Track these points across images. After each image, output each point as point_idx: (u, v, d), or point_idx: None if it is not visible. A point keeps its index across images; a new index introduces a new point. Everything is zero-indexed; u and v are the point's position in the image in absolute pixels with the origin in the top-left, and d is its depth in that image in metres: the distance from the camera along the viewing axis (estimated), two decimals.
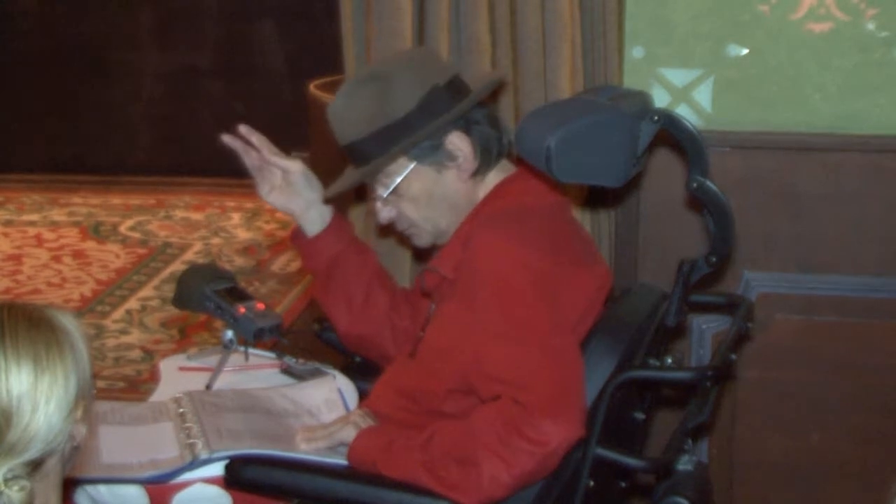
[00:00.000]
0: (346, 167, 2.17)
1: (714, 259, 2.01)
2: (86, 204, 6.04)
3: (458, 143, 2.05)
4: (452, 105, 2.04)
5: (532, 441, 1.83)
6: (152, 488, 1.97)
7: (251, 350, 2.32)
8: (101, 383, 3.81)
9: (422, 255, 2.42)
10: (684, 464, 1.97)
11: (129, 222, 5.74)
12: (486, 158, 2.07)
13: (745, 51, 2.60)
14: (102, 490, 1.99)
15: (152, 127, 6.47)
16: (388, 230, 2.32)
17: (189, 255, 5.28)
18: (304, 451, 2.00)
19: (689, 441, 2.00)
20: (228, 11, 6.32)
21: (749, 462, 2.75)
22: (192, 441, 1.97)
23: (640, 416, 2.16)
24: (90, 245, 5.42)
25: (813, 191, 2.62)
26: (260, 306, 2.23)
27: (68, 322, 1.40)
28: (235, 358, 2.30)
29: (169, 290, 4.00)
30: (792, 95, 2.61)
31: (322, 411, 2.15)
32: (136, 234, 5.55)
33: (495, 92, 2.25)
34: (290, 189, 2.22)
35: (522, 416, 1.84)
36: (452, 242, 2.06)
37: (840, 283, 2.64)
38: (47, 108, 6.47)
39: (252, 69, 6.37)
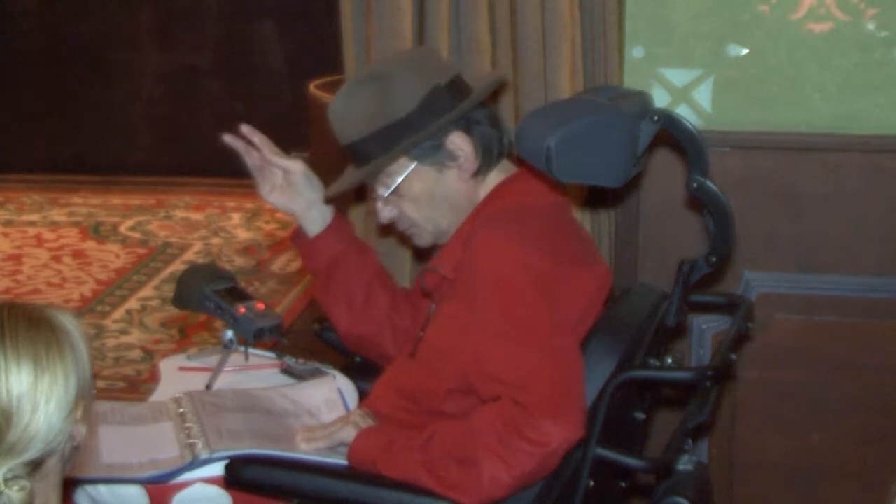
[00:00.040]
0: (346, 167, 2.17)
1: (714, 259, 2.01)
2: (86, 204, 6.04)
3: (459, 142, 2.05)
4: (454, 105, 2.04)
5: (532, 441, 1.83)
6: (152, 488, 1.97)
7: (251, 350, 2.32)
8: (101, 383, 3.81)
9: (422, 254, 2.42)
10: (684, 464, 1.97)
11: (129, 222, 5.74)
12: (487, 158, 2.07)
13: (745, 51, 2.60)
14: (102, 490, 1.99)
15: (152, 127, 6.47)
16: (388, 230, 2.32)
17: (189, 255, 5.28)
18: (304, 451, 2.00)
19: (689, 441, 2.00)
20: (228, 11, 6.32)
21: (749, 462, 2.75)
22: (192, 441, 1.97)
23: (640, 416, 2.16)
24: (90, 245, 5.42)
25: (813, 191, 2.62)
26: (260, 306, 2.23)
27: (68, 322, 1.40)
28: (235, 358, 2.30)
29: (169, 290, 4.00)
30: (792, 95, 2.61)
31: (322, 411, 2.15)
32: (136, 234, 5.55)
33: (496, 92, 2.25)
34: (291, 189, 2.22)
35: (523, 416, 1.84)
36: (453, 242, 2.06)
37: (840, 283, 2.64)
38: (47, 108, 6.47)
39: (252, 69, 6.37)
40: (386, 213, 2.12)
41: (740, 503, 2.77)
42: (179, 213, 5.89)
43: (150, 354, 4.12)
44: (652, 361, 2.08)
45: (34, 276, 5.00)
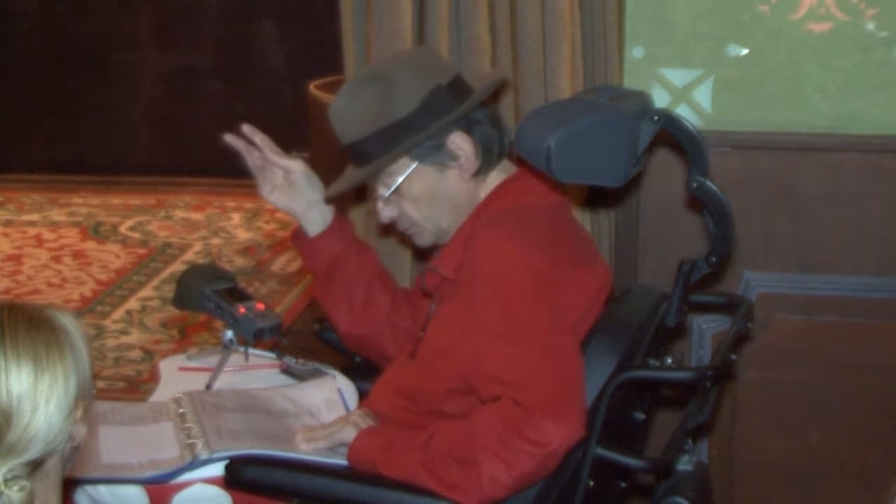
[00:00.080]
0: (346, 167, 2.17)
1: (714, 259, 2.00)
2: (86, 204, 6.04)
3: (460, 143, 2.05)
4: (454, 105, 2.04)
5: (532, 442, 1.83)
6: (152, 488, 1.97)
7: (251, 350, 2.32)
8: (101, 383, 3.81)
9: (422, 254, 2.42)
10: (684, 464, 1.97)
11: (129, 222, 5.74)
12: (487, 158, 2.08)
13: (745, 51, 2.60)
14: (102, 490, 1.99)
15: (152, 127, 6.47)
16: (389, 230, 2.32)
17: (189, 256, 5.28)
18: (304, 451, 2.00)
19: (689, 441, 2.00)
20: (228, 11, 6.32)
21: (749, 462, 2.75)
22: (192, 441, 1.97)
23: (640, 416, 2.16)
24: (90, 245, 5.42)
25: (813, 191, 2.62)
26: (260, 306, 2.23)
27: (68, 322, 1.40)
28: (235, 358, 2.30)
29: (169, 291, 4.00)
30: (792, 95, 2.61)
31: (322, 411, 2.15)
32: (136, 235, 5.55)
33: (496, 92, 2.25)
34: (291, 189, 2.22)
35: (523, 416, 1.84)
36: (454, 242, 2.06)
37: (840, 283, 2.64)
38: (47, 108, 6.47)
39: (252, 69, 6.37)
40: (386, 212, 2.12)
41: (740, 503, 2.77)
42: (179, 214, 5.89)
43: (150, 354, 4.12)
44: (652, 361, 2.08)
45: (34, 276, 5.00)
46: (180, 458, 1.96)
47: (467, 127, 2.06)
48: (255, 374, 2.31)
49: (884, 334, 2.65)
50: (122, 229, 5.64)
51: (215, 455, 1.93)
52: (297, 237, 2.29)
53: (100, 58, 6.42)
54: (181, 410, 2.08)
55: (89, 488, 2.00)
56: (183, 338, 4.28)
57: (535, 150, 1.86)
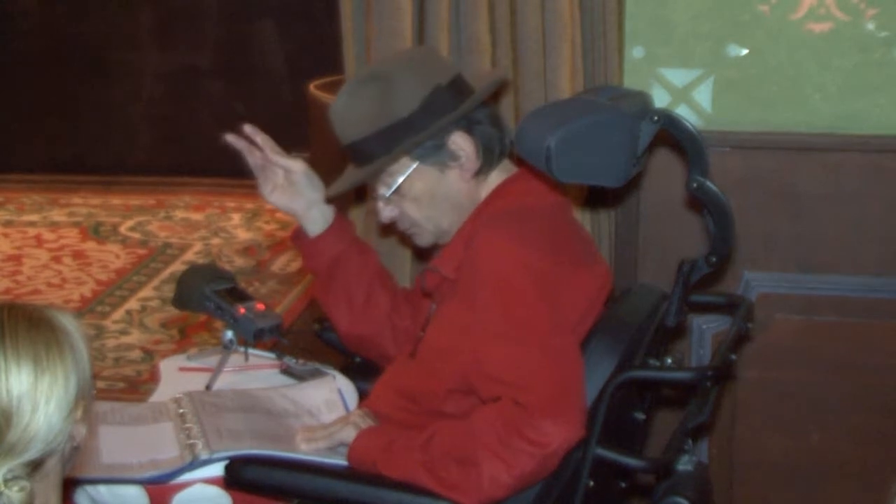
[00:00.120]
0: (346, 167, 2.17)
1: (714, 259, 2.01)
2: (86, 204, 6.04)
3: (460, 143, 2.05)
4: (455, 105, 2.04)
5: (532, 442, 1.83)
6: (152, 488, 1.97)
7: (251, 350, 2.32)
8: (101, 383, 3.81)
9: (423, 254, 2.42)
10: (684, 464, 1.97)
11: (129, 223, 5.74)
12: (488, 158, 2.08)
13: (745, 51, 2.60)
14: (102, 490, 1.99)
15: (152, 127, 6.47)
16: (389, 230, 2.32)
17: (189, 256, 5.28)
18: (304, 451, 2.00)
19: (689, 441, 2.00)
20: (228, 11, 6.32)
21: (749, 462, 2.75)
22: (192, 441, 1.97)
23: (640, 416, 2.16)
24: (90, 245, 5.42)
25: (813, 191, 2.62)
26: (260, 307, 2.23)
27: (68, 322, 1.40)
28: (235, 358, 2.30)
29: (169, 291, 4.00)
30: (792, 95, 2.61)
31: (322, 412, 2.15)
32: (136, 235, 5.55)
33: (496, 91, 2.25)
34: (292, 189, 2.22)
35: (523, 416, 1.84)
36: (454, 242, 2.06)
37: (840, 283, 2.64)
38: (47, 108, 6.47)
39: (252, 69, 6.37)
40: (387, 212, 2.12)
41: (740, 503, 2.77)
42: (179, 214, 5.88)
43: (150, 355, 4.12)
44: (652, 361, 2.08)
45: (34, 276, 5.00)
46: (180, 458, 1.96)
47: (468, 127, 2.06)
48: (255, 374, 2.31)
49: (884, 334, 2.65)
50: (122, 229, 5.64)
51: (215, 455, 1.93)
52: (298, 237, 2.29)
53: (100, 58, 6.42)
54: (181, 410, 2.08)
55: (89, 488, 2.00)
56: (183, 338, 4.28)
57: (535, 150, 1.86)
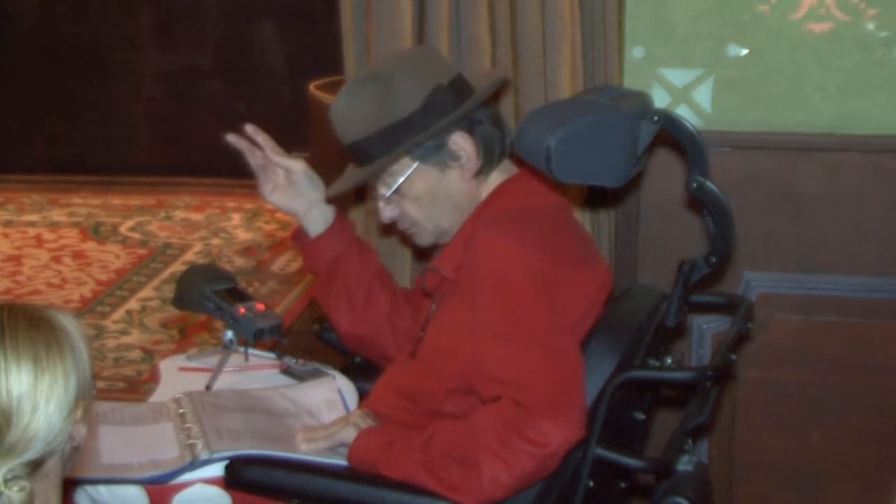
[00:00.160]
0: (346, 167, 2.17)
1: (714, 259, 2.01)
2: (86, 204, 6.04)
3: (461, 143, 2.05)
4: (456, 105, 2.04)
5: (532, 442, 1.83)
6: (152, 489, 1.97)
7: (251, 350, 2.32)
8: (101, 383, 3.81)
9: (423, 254, 2.42)
10: (684, 464, 1.97)
11: (129, 223, 5.74)
12: (488, 158, 2.08)
13: (745, 51, 2.60)
14: (102, 490, 1.99)
15: (152, 127, 6.47)
16: (389, 229, 2.32)
17: (189, 256, 5.28)
18: (304, 451, 2.00)
19: (689, 441, 2.00)
20: (228, 11, 6.32)
21: (749, 462, 2.74)
22: (192, 441, 1.97)
23: (640, 416, 2.16)
24: (90, 245, 5.41)
25: (813, 191, 2.62)
26: (260, 307, 2.23)
27: (68, 322, 1.40)
28: (235, 358, 2.30)
29: (169, 291, 4.00)
30: (792, 95, 2.61)
31: (322, 412, 2.15)
32: (136, 235, 5.55)
33: (497, 91, 2.25)
34: (292, 189, 2.22)
35: (523, 416, 1.84)
36: (454, 242, 2.06)
37: (840, 283, 2.64)
38: (47, 108, 6.47)
39: (252, 69, 6.37)
40: (387, 212, 2.12)
41: (740, 503, 2.77)
42: (179, 214, 5.88)
43: (150, 355, 4.12)
44: (652, 361, 2.08)
45: (34, 276, 5.00)
46: (180, 458, 1.96)
47: (469, 127, 2.06)
48: (255, 374, 2.31)
49: (884, 334, 2.65)
50: (122, 229, 5.63)
51: (215, 455, 1.93)
52: (298, 237, 2.29)
53: (100, 58, 6.41)
54: (181, 411, 2.08)
55: (89, 488, 2.00)
56: (183, 338, 4.28)
57: (535, 150, 1.86)
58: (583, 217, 2.52)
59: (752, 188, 2.62)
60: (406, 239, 2.26)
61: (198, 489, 1.98)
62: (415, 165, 2.05)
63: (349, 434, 2.00)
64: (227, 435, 1.99)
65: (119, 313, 4.55)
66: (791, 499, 2.77)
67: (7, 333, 1.34)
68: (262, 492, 1.98)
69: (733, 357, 2.09)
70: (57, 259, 5.21)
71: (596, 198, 2.54)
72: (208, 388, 2.22)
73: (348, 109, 2.07)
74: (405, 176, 2.05)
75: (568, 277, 1.99)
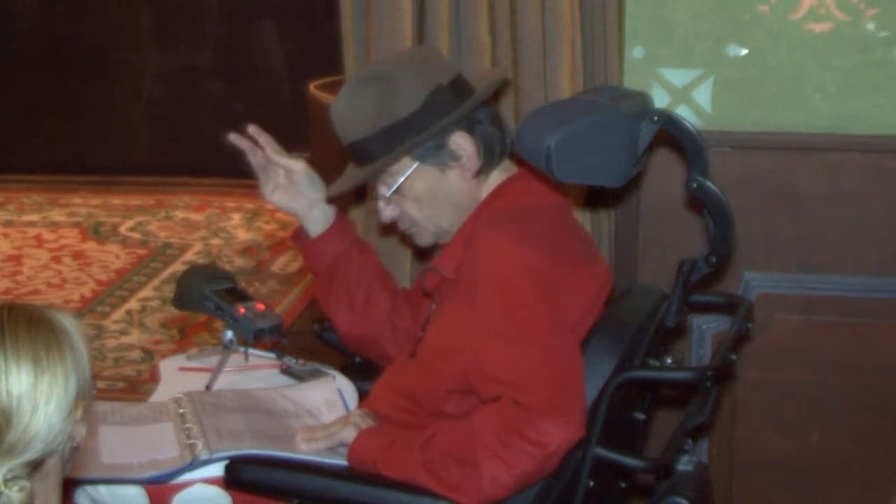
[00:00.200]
0: (347, 167, 2.17)
1: (714, 259, 2.01)
2: (86, 204, 6.04)
3: (461, 143, 2.05)
4: (456, 105, 2.04)
5: (532, 442, 1.83)
6: (152, 489, 1.97)
7: (251, 350, 2.32)
8: (101, 383, 3.81)
9: (423, 254, 2.42)
10: (684, 464, 1.97)
11: (129, 223, 5.74)
12: (489, 158, 2.08)
13: (745, 51, 2.60)
14: (102, 490, 1.99)
15: (152, 127, 6.47)
16: (389, 229, 2.32)
17: (189, 256, 5.28)
18: (305, 451, 2.00)
19: (689, 441, 2.00)
20: (228, 11, 6.32)
21: (749, 462, 2.74)
22: (192, 441, 1.97)
23: (640, 416, 2.16)
24: (90, 245, 5.42)
25: (813, 191, 2.62)
26: (260, 307, 2.23)
27: (68, 322, 1.40)
28: (235, 358, 2.30)
29: (169, 291, 4.00)
30: (792, 95, 2.61)
31: (322, 412, 2.15)
32: (137, 235, 5.55)
33: (497, 91, 2.25)
34: (293, 189, 2.22)
35: (523, 417, 1.84)
36: (454, 242, 2.06)
37: (840, 283, 2.64)
38: (47, 108, 6.47)
39: (252, 69, 6.37)
40: (388, 212, 2.12)
41: (740, 503, 2.77)
42: (179, 214, 5.88)
43: (150, 355, 4.12)
44: (652, 361, 2.08)
45: (34, 276, 5.00)
46: (180, 458, 1.96)
47: (469, 127, 2.06)
48: (255, 374, 2.31)
49: (884, 334, 2.65)
50: (122, 230, 5.63)
51: (215, 455, 1.93)
52: (299, 237, 2.29)
53: (100, 58, 6.42)
54: (181, 410, 2.08)
55: (89, 488, 2.00)
56: (183, 338, 4.28)
57: (535, 150, 1.86)
58: (583, 217, 2.52)
59: (752, 188, 2.62)
60: (406, 239, 2.26)
61: (198, 489, 1.98)
62: (415, 165, 2.05)
63: (349, 434, 2.00)
64: (227, 435, 1.99)
65: (119, 313, 4.55)
66: (791, 499, 2.77)
67: (7, 333, 1.34)
68: (262, 492, 1.98)
69: (733, 357, 2.09)
70: (57, 259, 5.21)
71: (596, 198, 2.54)
72: (208, 388, 2.22)
73: (349, 109, 2.07)
74: (405, 176, 2.05)
75: (568, 277, 1.99)
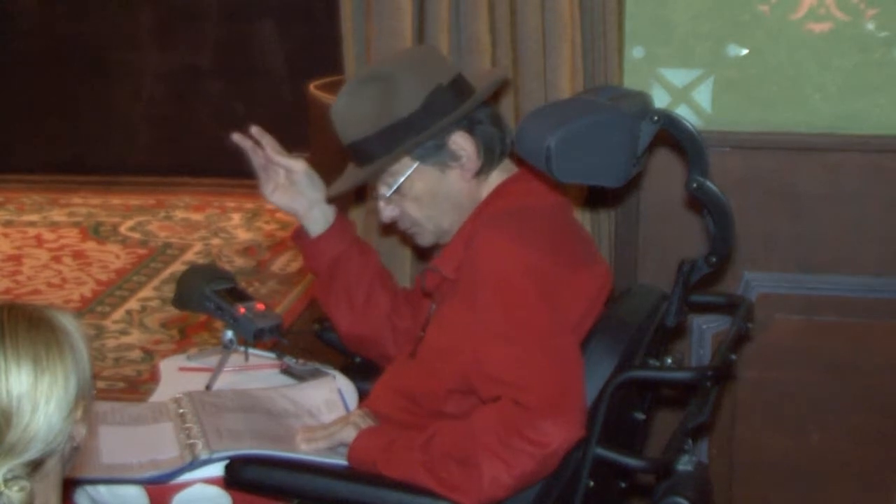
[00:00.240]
0: (347, 167, 2.17)
1: (714, 259, 2.01)
2: (86, 204, 6.04)
3: (461, 143, 2.05)
4: (456, 105, 2.04)
5: (532, 442, 1.83)
6: (152, 489, 1.97)
7: (251, 350, 2.32)
8: (101, 383, 3.81)
9: (423, 254, 2.42)
10: (684, 464, 1.97)
11: (129, 223, 5.74)
12: (489, 158, 2.08)
13: (745, 51, 2.60)
14: (102, 490, 1.99)
15: (152, 127, 6.47)
16: (390, 229, 2.32)
17: (189, 256, 5.28)
18: (305, 451, 2.00)
19: (689, 441, 2.00)
20: (228, 11, 6.33)
21: (749, 462, 2.75)
22: (192, 441, 1.97)
23: (640, 416, 2.16)
24: (90, 245, 5.42)
25: (813, 191, 2.62)
26: (260, 307, 2.23)
27: (68, 322, 1.40)
28: (235, 358, 2.30)
29: (169, 291, 4.00)
30: (792, 95, 2.61)
31: (322, 412, 2.15)
32: (136, 235, 5.55)
33: (497, 91, 2.25)
34: (293, 188, 2.22)
35: (523, 417, 1.84)
36: (455, 242, 2.06)
37: (840, 283, 2.64)
38: (47, 108, 6.47)
39: (252, 69, 6.37)
40: (388, 212, 2.12)
41: (740, 503, 2.77)
42: (179, 214, 5.88)
43: (150, 355, 4.12)
44: (652, 361, 2.08)
45: (34, 276, 5.00)
46: (180, 458, 1.96)
47: (469, 126, 2.06)
48: (255, 374, 2.31)
49: (884, 334, 2.65)
50: (122, 229, 5.64)
51: (215, 455, 1.93)
52: (299, 237, 2.29)
53: (100, 58, 6.42)
54: (181, 410, 2.08)
55: (89, 488, 2.00)
56: (183, 338, 4.28)
57: (535, 150, 1.86)
58: (583, 217, 2.52)
59: (752, 188, 2.62)
60: (406, 239, 2.26)
61: (198, 489, 1.98)
62: (415, 165, 2.05)
63: (349, 434, 2.00)
64: (227, 435, 1.99)
65: (119, 313, 4.55)
66: (791, 499, 2.77)
67: (7, 333, 1.34)
68: (262, 492, 1.98)
69: (733, 357, 2.09)
70: (57, 259, 5.21)
71: (596, 198, 2.54)
72: (208, 388, 2.22)
73: (349, 109, 2.07)
74: (405, 176, 2.05)
75: (568, 277, 1.99)
